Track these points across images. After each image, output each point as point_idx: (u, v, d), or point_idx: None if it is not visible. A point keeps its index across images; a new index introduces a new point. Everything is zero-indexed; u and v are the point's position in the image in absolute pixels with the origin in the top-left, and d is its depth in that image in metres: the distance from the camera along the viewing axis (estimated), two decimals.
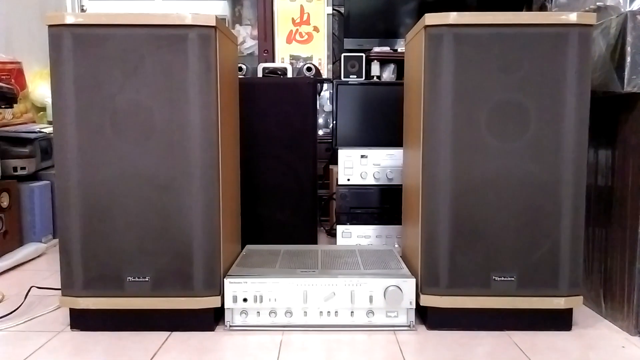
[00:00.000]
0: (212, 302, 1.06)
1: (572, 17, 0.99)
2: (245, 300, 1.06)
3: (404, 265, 1.16)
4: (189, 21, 1.00)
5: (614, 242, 1.10)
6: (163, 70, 1.01)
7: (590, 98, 1.02)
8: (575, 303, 1.05)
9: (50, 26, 1.00)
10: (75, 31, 1.00)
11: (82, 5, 2.48)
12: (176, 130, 1.02)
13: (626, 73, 1.01)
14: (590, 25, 1.00)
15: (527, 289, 1.05)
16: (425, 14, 1.02)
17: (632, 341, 1.03)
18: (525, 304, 1.05)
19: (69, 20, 1.00)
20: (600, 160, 1.16)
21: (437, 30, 1.01)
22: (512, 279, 1.05)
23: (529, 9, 1.84)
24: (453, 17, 1.00)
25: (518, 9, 1.98)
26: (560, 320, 1.07)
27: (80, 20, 1.00)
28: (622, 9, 1.07)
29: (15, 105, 1.76)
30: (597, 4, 1.14)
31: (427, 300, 1.06)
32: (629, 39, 1.01)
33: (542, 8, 1.65)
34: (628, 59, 1.01)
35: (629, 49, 1.01)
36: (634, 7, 1.06)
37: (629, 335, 1.06)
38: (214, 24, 1.01)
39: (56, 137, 1.03)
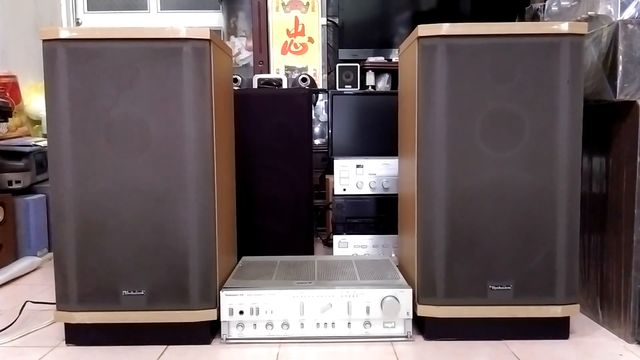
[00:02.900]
0: (208, 315, 1.05)
1: (564, 27, 1.00)
2: (241, 312, 1.06)
3: (400, 275, 1.16)
4: (183, 35, 1.00)
5: (610, 250, 1.11)
6: (158, 84, 1.01)
7: (583, 107, 1.02)
8: (572, 311, 1.05)
9: (44, 41, 1.00)
10: (70, 45, 1.00)
11: (78, 19, 2.49)
12: (171, 142, 1.02)
13: (618, 81, 1.02)
14: (582, 35, 1.01)
15: (523, 298, 1.05)
16: (418, 25, 1.02)
17: (630, 349, 1.03)
18: (522, 313, 1.05)
19: (64, 34, 1.00)
20: (594, 168, 1.16)
21: (430, 41, 1.02)
22: (509, 287, 1.05)
23: (522, 19, 1.86)
24: (446, 28, 1.01)
25: (511, 18, 2.00)
26: (558, 329, 1.07)
27: (74, 35, 1.00)
28: (613, 18, 1.08)
29: (10, 118, 1.75)
30: (589, 13, 1.15)
31: (424, 311, 1.06)
32: (620, 47, 1.02)
33: (535, 18, 1.66)
34: (620, 68, 1.02)
35: (620, 57, 1.02)
36: (625, 16, 1.07)
37: (626, 343, 1.05)
38: (208, 37, 1.01)
39: (51, 150, 1.03)
